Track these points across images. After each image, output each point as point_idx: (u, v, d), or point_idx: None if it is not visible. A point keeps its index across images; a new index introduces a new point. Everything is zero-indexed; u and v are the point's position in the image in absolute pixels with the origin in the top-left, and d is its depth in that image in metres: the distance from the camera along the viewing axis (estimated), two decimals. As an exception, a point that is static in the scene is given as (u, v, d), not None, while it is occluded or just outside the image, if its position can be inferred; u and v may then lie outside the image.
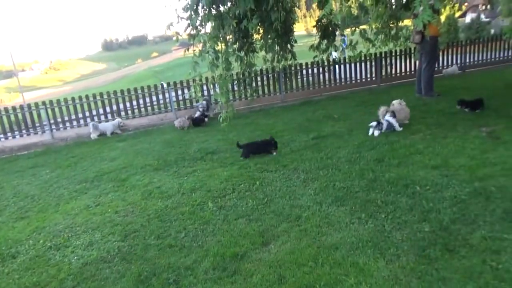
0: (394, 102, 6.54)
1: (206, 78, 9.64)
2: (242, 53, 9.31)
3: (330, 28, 9.80)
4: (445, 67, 11.38)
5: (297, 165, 5.15)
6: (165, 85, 10.21)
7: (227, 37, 7.67)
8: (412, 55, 10.68)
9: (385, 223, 3.32)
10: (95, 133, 9.14)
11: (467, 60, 11.63)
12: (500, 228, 3.00)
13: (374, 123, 6.06)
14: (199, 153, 6.38)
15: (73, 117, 9.71)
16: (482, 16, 26.82)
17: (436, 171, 4.27)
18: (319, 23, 9.78)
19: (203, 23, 6.34)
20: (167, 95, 10.06)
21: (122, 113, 9.92)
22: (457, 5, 8.51)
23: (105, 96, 9.80)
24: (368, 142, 5.66)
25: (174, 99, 10.04)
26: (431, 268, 2.65)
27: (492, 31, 22.63)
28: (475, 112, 6.39)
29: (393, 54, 10.87)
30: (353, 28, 8.61)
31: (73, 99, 9.70)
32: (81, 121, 9.74)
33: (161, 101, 10.21)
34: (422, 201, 3.61)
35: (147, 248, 3.56)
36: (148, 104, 10.10)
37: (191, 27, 6.37)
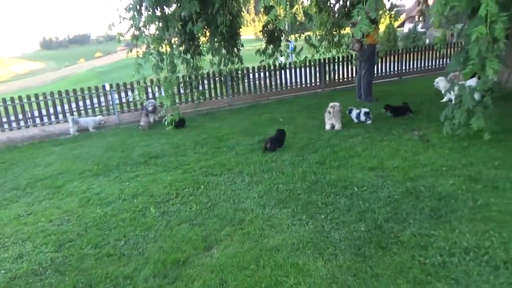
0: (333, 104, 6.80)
1: (151, 81, 9.42)
2: (188, 56, 9.24)
3: (276, 34, 10.02)
4: (382, 74, 12.03)
5: (242, 168, 5.17)
6: (107, 87, 9.82)
7: (173, 39, 7.56)
8: (354, 61, 11.16)
9: (325, 224, 3.44)
10: (74, 128, 8.74)
11: (404, 68, 12.37)
12: (428, 225, 3.21)
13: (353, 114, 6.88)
14: (142, 157, 6.20)
15: (4, 119, 9.02)
16: (419, 26, 28.69)
17: (373, 172, 4.49)
18: (265, 28, 9.97)
19: (146, 24, 6.19)
20: (109, 97, 9.68)
21: (60, 116, 9.38)
22: (393, 16, 8.98)
23: (41, 98, 9.21)
24: (311, 145, 5.83)
25: (117, 101, 9.68)
26: (366, 266, 2.78)
27: (427, 41, 24.31)
28: (403, 117, 6.89)
29: (336, 60, 11.29)
30: (299, 34, 8.86)
31: (4, 100, 9.02)
32: (13, 124, 9.07)
33: (103, 104, 9.79)
34: (359, 201, 3.78)
35: (83, 258, 3.39)
36: (89, 107, 9.64)
37: (134, 28, 6.20)
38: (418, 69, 12.53)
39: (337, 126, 6.55)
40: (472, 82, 7.87)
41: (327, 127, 6.65)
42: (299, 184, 4.39)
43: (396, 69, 12.27)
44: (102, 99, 9.78)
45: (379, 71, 11.94)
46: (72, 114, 9.39)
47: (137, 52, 6.32)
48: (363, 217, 3.48)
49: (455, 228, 3.12)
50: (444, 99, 7.78)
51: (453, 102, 5.90)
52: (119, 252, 3.42)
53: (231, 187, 4.59)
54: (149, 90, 9.80)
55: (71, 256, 3.44)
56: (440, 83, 8.07)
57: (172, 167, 5.57)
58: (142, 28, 6.25)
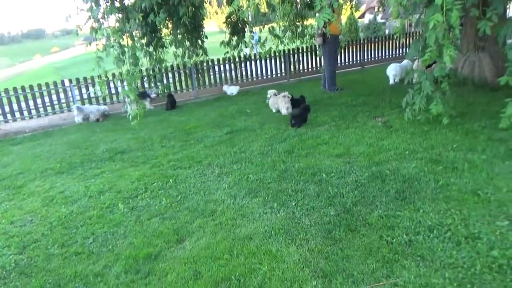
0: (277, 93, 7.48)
1: (113, 74, 9.13)
2: (151, 49, 9.04)
3: (239, 25, 9.97)
4: (345, 63, 12.27)
5: (211, 160, 5.14)
6: (66, 83, 9.43)
7: (134, 32, 7.35)
8: (318, 52, 11.31)
9: (295, 210, 3.49)
10: (79, 116, 8.64)
11: (366, 57, 12.68)
12: (393, 207, 3.33)
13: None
14: (107, 153, 6.03)
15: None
16: (378, 17, 29.41)
17: (340, 159, 4.60)
18: (229, 20, 9.90)
19: (105, 16, 5.97)
20: (70, 93, 9.31)
21: (17, 114, 8.94)
22: (354, 6, 9.17)
23: (-6, 95, 8.72)
24: (279, 135, 5.87)
25: (77, 97, 9.32)
26: (336, 248, 2.86)
27: (387, 31, 24.99)
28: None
29: (300, 51, 11.40)
30: (262, 26, 8.86)
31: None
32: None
33: (63, 100, 9.40)
34: (328, 187, 3.86)
35: (49, 259, 3.27)
36: (48, 104, 9.23)
37: (92, 19, 5.96)
38: (380, 58, 12.88)
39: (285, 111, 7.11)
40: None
41: (284, 111, 7.12)
42: (269, 173, 4.43)
43: (358, 58, 12.56)
44: (62, 95, 9.39)
45: (342, 61, 12.18)
46: (29, 113, 8.97)
47: (97, 45, 6.09)
48: (332, 202, 3.56)
49: (419, 208, 3.25)
50: (391, 83, 8.72)
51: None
52: (87, 250, 3.33)
53: (201, 179, 4.56)
54: (111, 84, 9.51)
55: (37, 257, 3.32)
56: (388, 69, 8.58)
57: (139, 162, 5.46)
58: (101, 20, 6.02)
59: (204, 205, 3.86)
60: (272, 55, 10.91)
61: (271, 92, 7.64)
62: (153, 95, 9.38)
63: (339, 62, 11.97)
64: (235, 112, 7.87)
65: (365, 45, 12.68)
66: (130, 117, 6.75)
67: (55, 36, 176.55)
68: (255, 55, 10.77)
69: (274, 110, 7.46)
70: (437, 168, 3.98)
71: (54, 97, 9.31)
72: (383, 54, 12.99)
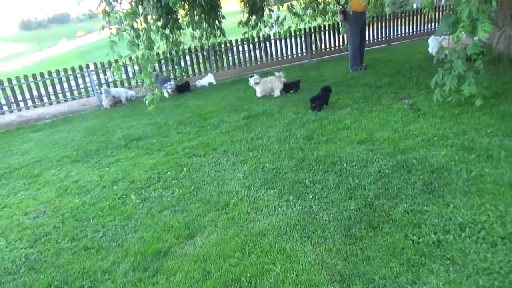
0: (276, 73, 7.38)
1: (130, 58, 8.98)
2: (167, 31, 8.82)
3: (258, 3, 9.60)
4: (369, 41, 11.69)
5: (227, 147, 4.95)
6: (91, 66, 9.36)
7: (149, 14, 7.14)
8: (341, 30, 10.80)
9: (313, 204, 3.26)
10: (107, 99, 8.53)
11: (392, 34, 12.05)
12: (420, 201, 3.05)
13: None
14: (123, 140, 5.94)
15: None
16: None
17: (362, 146, 4.31)
18: (246, -2, 9.53)
19: (117, -2, 5.77)
20: (88, 78, 9.28)
21: (37, 101, 8.99)
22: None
23: (14, 82, 8.78)
24: (298, 120, 5.60)
25: (96, 82, 9.28)
26: (356, 248, 2.63)
27: (414, 5, 23.77)
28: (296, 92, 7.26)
29: (322, 29, 10.92)
30: (282, 4, 8.47)
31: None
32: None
33: (81, 86, 9.39)
34: (349, 178, 3.60)
35: (59, 253, 3.19)
36: (67, 89, 9.24)
37: (104, 2, 5.78)
38: (406, 34, 12.22)
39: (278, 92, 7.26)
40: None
41: (277, 92, 7.29)
42: (286, 162, 4.20)
43: (384, 35, 11.95)
44: (80, 81, 9.36)
45: (367, 39, 11.60)
46: (49, 99, 9.01)
47: (110, 29, 5.92)
48: (352, 194, 3.31)
49: (449, 203, 2.96)
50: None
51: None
52: (97, 244, 3.23)
53: (215, 168, 4.39)
54: (129, 69, 9.39)
55: (47, 252, 3.25)
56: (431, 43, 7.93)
57: (154, 149, 5.34)
58: (112, 3, 5.83)
59: (217, 197, 3.69)
60: (293, 34, 10.49)
61: (256, 78, 7.36)
62: (169, 88, 8.87)
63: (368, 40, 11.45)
64: (254, 95, 7.61)
65: (391, 21, 12.03)
66: (147, 102, 6.63)
67: (80, 20, 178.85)
68: (274, 34, 10.38)
69: (260, 95, 7.33)
70: (470, 156, 3.64)
71: (73, 83, 9.30)
72: (410, 30, 12.31)
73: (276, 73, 7.18)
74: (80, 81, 9.32)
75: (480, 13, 4.20)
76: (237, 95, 7.89)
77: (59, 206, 4.05)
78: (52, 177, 4.90)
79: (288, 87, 7.33)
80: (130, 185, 4.28)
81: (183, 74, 9.71)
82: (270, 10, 9.41)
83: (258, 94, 7.29)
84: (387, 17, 12.11)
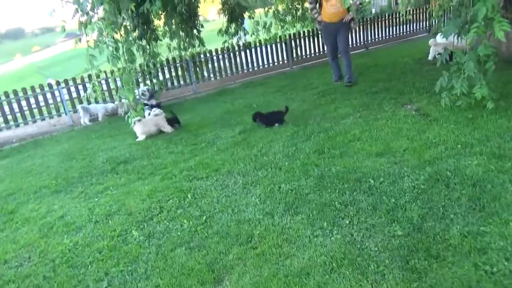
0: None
1: (112, 72, 8.32)
2: (144, 42, 8.27)
3: (237, 10, 9.24)
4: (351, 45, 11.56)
5: (230, 167, 4.50)
6: (50, 82, 8.62)
7: (126, 24, 6.58)
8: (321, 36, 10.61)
9: (353, 231, 2.87)
10: (86, 116, 8.02)
11: (370, 38, 12.02)
12: (474, 221, 2.73)
13: None
14: (108, 164, 5.33)
15: None
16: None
17: (383, 158, 3.98)
18: (226, 5, 9.14)
19: (95, 7, 5.21)
20: (57, 94, 8.51)
21: (1, 123, 8.14)
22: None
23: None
24: (301, 132, 5.23)
25: (67, 99, 8.54)
26: (425, 285, 2.25)
27: (373, 10, 24.18)
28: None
29: (302, 35, 10.69)
30: (266, 9, 8.14)
31: None
32: None
33: (51, 102, 8.61)
34: (382, 197, 3.25)
35: (56, 314, 2.62)
36: (34, 106, 8.42)
37: (80, 12, 5.20)
38: (385, 38, 12.26)
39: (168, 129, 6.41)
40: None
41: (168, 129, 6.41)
42: (304, 181, 3.80)
43: (362, 40, 11.89)
44: (50, 98, 8.58)
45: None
46: (15, 120, 8.20)
47: (88, 41, 5.34)
48: (394, 217, 2.95)
49: (507, 221, 2.66)
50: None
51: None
52: (103, 299, 2.69)
53: (224, 192, 3.92)
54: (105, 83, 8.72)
55: (40, 313, 2.67)
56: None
57: (147, 173, 4.79)
58: (90, 12, 5.26)
59: (236, 228, 3.22)
60: (272, 41, 10.16)
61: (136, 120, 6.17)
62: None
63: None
64: (243, 107, 7.19)
65: (368, 25, 12.00)
66: (130, 120, 6.07)
67: (35, 34, 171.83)
68: (255, 42, 10.01)
69: (143, 137, 6.23)
70: (506, 165, 3.38)
71: (41, 100, 8.50)
72: (388, 34, 12.34)
73: (153, 112, 6.39)
74: (49, 98, 8.54)
75: (495, 12, 4.01)
76: (225, 107, 7.44)
77: (46, 250, 3.44)
78: (32, 213, 4.25)
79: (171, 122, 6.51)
80: (128, 218, 3.72)
81: (162, 87, 9.13)
82: (251, 17, 9.04)
83: (140, 137, 6.31)
84: (364, 21, 12.04)
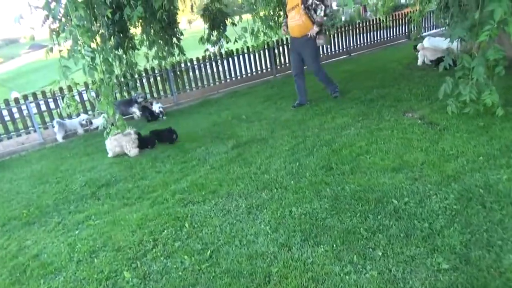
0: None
1: (85, 84, 7.67)
2: (121, 51, 7.71)
3: (218, 18, 8.83)
4: (332, 52, 11.35)
5: (229, 188, 4.03)
6: (14, 95, 7.90)
7: (102, 32, 6.05)
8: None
9: (390, 265, 2.47)
10: (61, 132, 7.26)
11: (352, 44, 11.86)
12: (527, 247, 2.39)
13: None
14: (88, 187, 4.75)
15: None
16: (334, 4, 28.86)
17: (400, 174, 3.62)
18: (207, 12, 8.71)
19: (69, 14, 4.65)
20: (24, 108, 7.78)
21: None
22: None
23: None
24: (301, 145, 4.83)
25: (35, 113, 7.82)
26: (497, 337, 1.87)
27: (343, 18, 24.31)
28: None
29: (285, 42, 10.37)
30: (254, 15, 7.75)
31: None
32: None
33: (17, 117, 7.86)
34: (413, 221, 2.87)
35: None
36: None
37: (51, 19, 4.63)
38: (368, 44, 12.15)
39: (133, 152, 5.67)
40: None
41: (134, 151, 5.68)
42: (317, 204, 3.38)
43: (344, 46, 11.71)
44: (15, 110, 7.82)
45: (329, 50, 11.30)
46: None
47: (61, 51, 4.77)
48: (433, 245, 2.57)
49: None
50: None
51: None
52: None
53: (227, 219, 3.44)
54: (84, 97, 8.04)
55: None
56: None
57: (134, 198, 4.24)
58: (62, 19, 4.70)
59: (249, 264, 2.76)
60: (255, 49, 9.78)
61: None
62: (140, 99, 7.92)
63: (326, 51, 11.12)
64: (231, 119, 6.74)
65: (350, 31, 11.84)
66: (107, 136, 5.52)
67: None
68: (237, 50, 9.60)
69: (111, 154, 5.74)
70: (540, 178, 3.09)
71: (5, 115, 7.72)
72: (370, 39, 12.23)
73: (126, 131, 5.63)
74: (16, 113, 7.80)
75: (509, 14, 3.76)
76: (211, 119, 6.96)
77: (19, 300, 2.86)
78: (0, 251, 3.63)
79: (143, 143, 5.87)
80: (117, 255, 3.18)
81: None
82: (233, 24, 8.64)
83: (109, 153, 5.81)
84: (346, 27, 11.88)
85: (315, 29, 6.07)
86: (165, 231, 3.42)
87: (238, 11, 8.39)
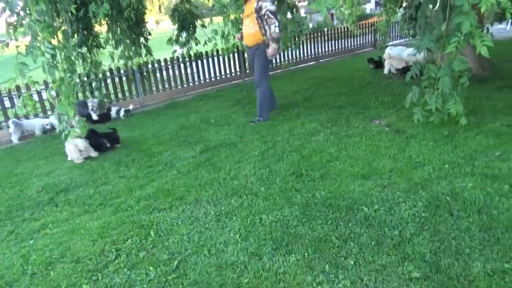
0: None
1: (45, 83, 7.24)
2: (85, 49, 7.38)
3: (188, 19, 8.67)
4: (301, 58, 11.46)
5: (197, 194, 3.90)
6: None
7: (63, 28, 5.75)
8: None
9: (362, 275, 2.44)
10: (17, 134, 6.76)
11: (320, 51, 12.02)
12: (494, 256, 2.43)
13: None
14: (45, 193, 4.45)
15: None
16: (302, 12, 29.35)
17: (370, 181, 3.63)
18: (176, 12, 8.53)
19: (27, 8, 4.37)
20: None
21: None
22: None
23: None
24: (271, 151, 4.78)
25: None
26: None
27: (310, 25, 24.76)
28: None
29: (255, 46, 10.33)
30: (226, 17, 7.65)
31: None
32: None
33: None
34: (383, 228, 2.87)
35: None
36: None
37: (9, 12, 4.33)
38: (335, 51, 12.36)
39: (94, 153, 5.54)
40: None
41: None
42: (287, 211, 3.32)
43: (313, 52, 11.85)
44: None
45: (298, 56, 11.38)
46: None
47: (18, 46, 4.46)
48: (404, 254, 2.57)
49: (530, 255, 2.39)
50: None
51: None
52: None
53: (195, 227, 3.31)
54: (44, 96, 7.59)
55: None
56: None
57: (95, 204, 4.01)
58: (21, 13, 4.41)
59: (218, 275, 2.64)
60: (225, 52, 9.68)
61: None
62: (92, 105, 7.53)
63: (295, 57, 11.18)
64: (200, 122, 6.59)
65: (319, 38, 12.00)
66: (68, 138, 5.22)
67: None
68: (206, 52, 9.46)
69: (70, 158, 5.46)
70: (503, 187, 3.19)
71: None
72: (337, 47, 12.45)
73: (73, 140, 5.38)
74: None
75: (475, 27, 3.89)
76: (178, 122, 6.77)
77: (-37, 319, 2.60)
78: None
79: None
80: (76, 267, 2.97)
81: (105, 100, 8.21)
82: (203, 26, 8.51)
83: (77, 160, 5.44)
84: (315, 34, 12.03)
85: (274, 46, 5.67)
86: (129, 240, 3.24)
87: (206, 14, 8.24)
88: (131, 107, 7.79)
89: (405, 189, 3.39)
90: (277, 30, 5.56)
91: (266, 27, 5.63)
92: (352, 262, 2.56)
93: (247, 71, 10.31)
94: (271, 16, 5.52)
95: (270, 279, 2.52)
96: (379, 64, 8.79)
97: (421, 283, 2.30)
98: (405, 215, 3.00)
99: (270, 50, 5.74)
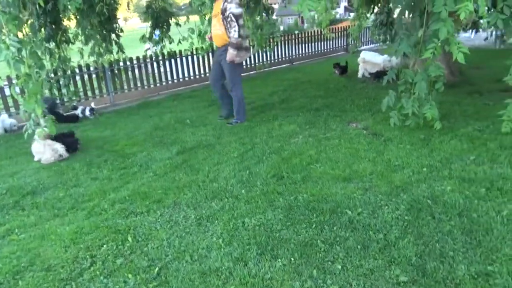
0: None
1: (8, 78, 6.81)
2: (53, 44, 7.03)
3: (162, 16, 8.46)
4: (275, 60, 11.46)
5: (175, 197, 3.77)
6: None
7: (30, 21, 5.45)
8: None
9: (350, 280, 2.41)
10: None
11: (294, 53, 12.08)
12: (478, 259, 2.47)
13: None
14: (9, 196, 4.17)
15: None
16: (273, 15, 29.55)
17: (351, 184, 3.64)
18: (149, 10, 8.30)
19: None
20: None
21: None
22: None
23: None
24: (250, 152, 4.71)
25: None
26: None
27: (281, 27, 24.96)
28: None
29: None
30: (202, 16, 7.49)
31: None
32: None
33: None
34: (368, 232, 2.87)
35: None
36: None
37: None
38: (309, 53, 12.48)
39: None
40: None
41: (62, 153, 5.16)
42: (270, 214, 3.26)
43: (287, 55, 11.88)
44: None
45: (272, 58, 11.38)
46: None
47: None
48: (390, 257, 2.57)
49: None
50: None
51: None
52: None
53: (175, 231, 3.19)
54: (6, 92, 7.14)
55: None
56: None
57: (66, 208, 3.79)
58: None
59: (202, 282, 2.54)
60: (200, 51, 9.50)
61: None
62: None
63: (269, 59, 11.16)
64: (174, 122, 6.41)
65: (293, 40, 12.06)
66: (36, 137, 4.96)
67: None
68: (180, 51, 9.26)
69: (36, 159, 5.16)
70: (480, 190, 3.27)
71: None
72: (312, 50, 12.57)
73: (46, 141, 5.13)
74: None
75: (451, 34, 3.99)
76: (152, 123, 6.56)
77: None
78: None
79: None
80: (47, 276, 2.78)
81: (74, 98, 7.85)
82: (177, 24, 8.31)
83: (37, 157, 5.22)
84: (289, 36, 12.07)
85: (232, 52, 5.45)
86: (105, 246, 3.07)
87: (178, 12, 8.08)
88: (92, 104, 7.47)
89: (387, 192, 3.42)
90: (236, 35, 5.35)
91: (230, 30, 5.43)
92: (339, 267, 2.53)
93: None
94: (233, 19, 5.30)
95: (257, 286, 2.44)
96: (344, 69, 8.82)
97: (409, 287, 2.30)
98: (388, 218, 3.01)
99: (227, 55, 5.54)
